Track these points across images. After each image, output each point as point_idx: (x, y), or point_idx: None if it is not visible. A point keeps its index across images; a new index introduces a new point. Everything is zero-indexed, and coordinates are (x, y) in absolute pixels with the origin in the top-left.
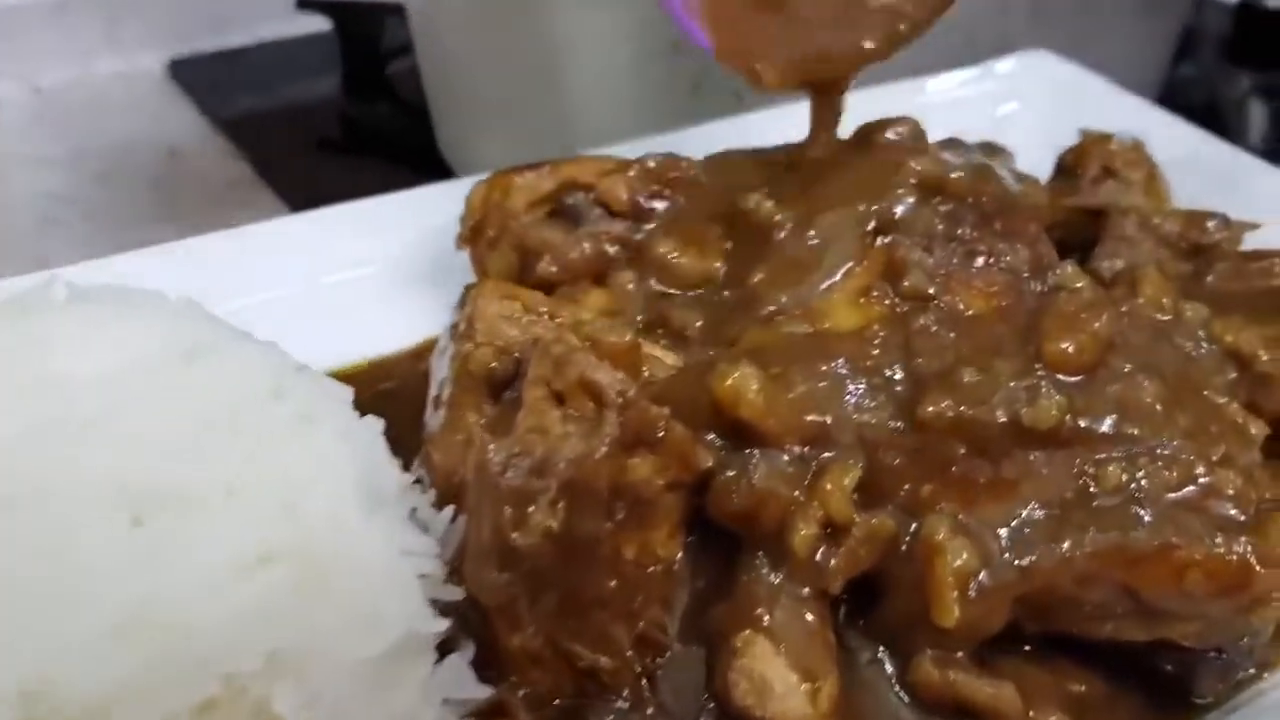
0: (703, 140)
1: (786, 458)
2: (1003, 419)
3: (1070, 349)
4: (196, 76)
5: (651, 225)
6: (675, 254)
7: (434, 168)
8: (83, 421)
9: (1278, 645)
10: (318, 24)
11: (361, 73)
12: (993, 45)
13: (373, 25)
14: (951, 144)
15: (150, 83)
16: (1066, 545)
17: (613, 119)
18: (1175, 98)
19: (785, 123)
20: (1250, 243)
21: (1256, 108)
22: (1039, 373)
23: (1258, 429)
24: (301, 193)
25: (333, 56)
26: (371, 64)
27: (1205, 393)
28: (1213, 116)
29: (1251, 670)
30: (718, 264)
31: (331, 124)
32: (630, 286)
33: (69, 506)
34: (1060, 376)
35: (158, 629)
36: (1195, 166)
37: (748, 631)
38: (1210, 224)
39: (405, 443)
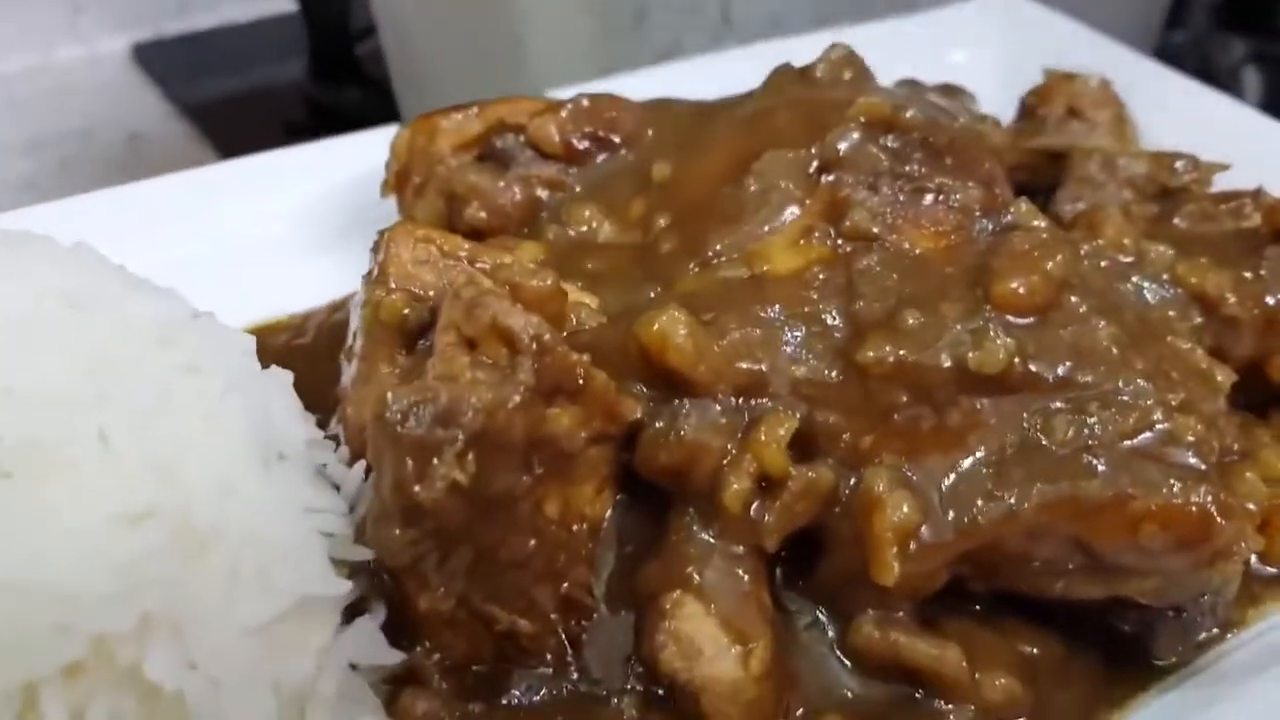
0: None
1: (719, 408)
2: (948, 364)
3: (1021, 289)
4: (160, 60)
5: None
6: (596, 222)
7: None
8: None
9: (1242, 603)
10: (283, 4)
11: (329, 55)
12: None
13: (340, 5)
14: (908, 84)
15: (114, 67)
16: (1015, 497)
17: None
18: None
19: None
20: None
21: (1250, 74)
22: (988, 315)
23: (1224, 375)
24: None
25: (300, 38)
26: (339, 45)
27: (1168, 338)
28: (1206, 83)
29: (1214, 630)
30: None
31: (298, 107)
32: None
33: None
34: (1010, 319)
35: (18, 587)
36: (1165, 107)
37: (677, 592)
38: (1178, 165)
39: (325, 399)
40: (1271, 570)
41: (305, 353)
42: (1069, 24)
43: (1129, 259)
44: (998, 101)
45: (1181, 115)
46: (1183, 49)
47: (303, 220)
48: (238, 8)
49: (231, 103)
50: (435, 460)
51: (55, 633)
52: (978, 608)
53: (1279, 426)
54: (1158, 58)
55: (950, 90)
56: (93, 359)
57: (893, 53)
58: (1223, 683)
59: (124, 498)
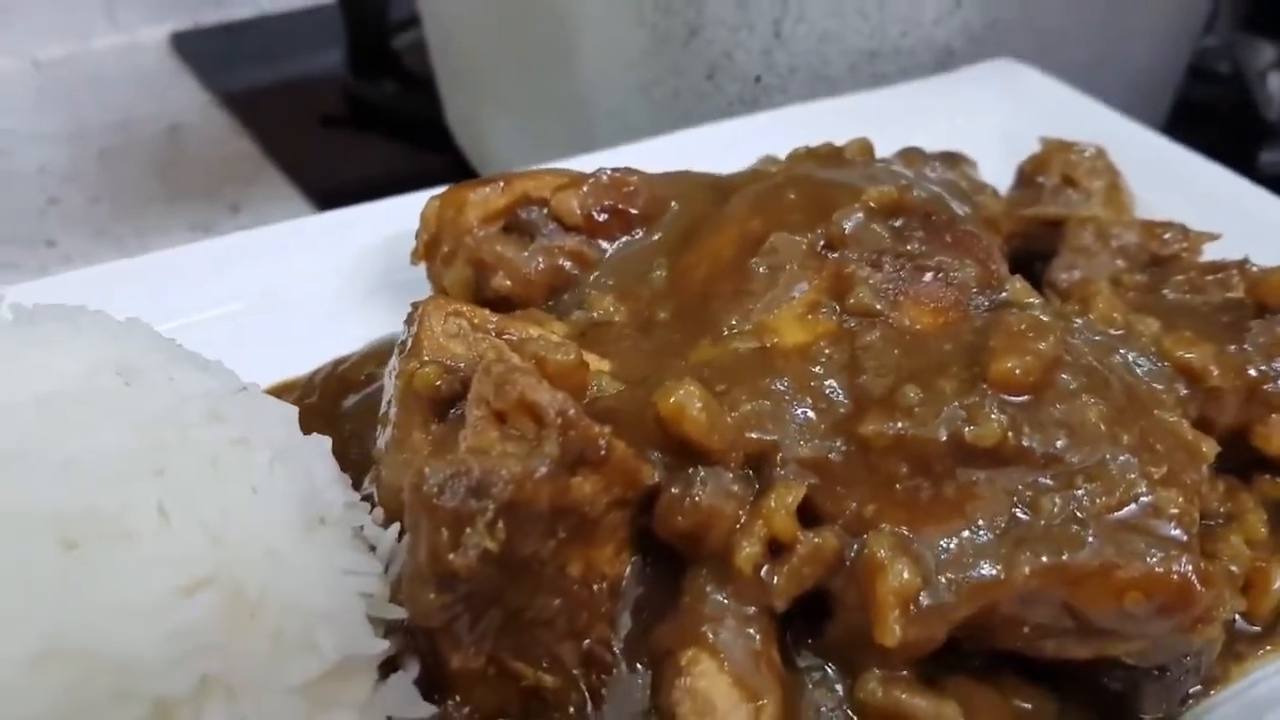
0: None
1: (731, 475)
2: (945, 437)
3: (1016, 369)
4: (198, 50)
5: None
6: (613, 307)
7: (441, 145)
8: (16, 447)
9: (1226, 660)
10: None
11: (366, 47)
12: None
13: None
14: (911, 152)
15: (152, 57)
16: (1009, 565)
17: (626, 101)
18: (1202, 69)
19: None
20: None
21: (1276, 79)
22: (984, 391)
23: (1209, 447)
24: (306, 171)
25: (337, 29)
26: (377, 38)
27: (1154, 410)
28: (1238, 87)
29: (1198, 687)
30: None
31: (336, 99)
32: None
33: None
34: (1005, 396)
35: (83, 655)
36: (1161, 175)
37: (692, 650)
38: (1167, 235)
39: (360, 457)
40: (1255, 629)
41: (342, 413)
42: (1069, 92)
43: (1118, 332)
44: (998, 168)
45: (1178, 184)
46: (1212, 54)
47: (333, 281)
48: None
49: (269, 94)
50: (468, 530)
51: (119, 698)
52: (975, 663)
53: (1261, 490)
54: (1195, 63)
55: (951, 158)
56: (147, 432)
57: (896, 118)
58: None
59: (182, 567)
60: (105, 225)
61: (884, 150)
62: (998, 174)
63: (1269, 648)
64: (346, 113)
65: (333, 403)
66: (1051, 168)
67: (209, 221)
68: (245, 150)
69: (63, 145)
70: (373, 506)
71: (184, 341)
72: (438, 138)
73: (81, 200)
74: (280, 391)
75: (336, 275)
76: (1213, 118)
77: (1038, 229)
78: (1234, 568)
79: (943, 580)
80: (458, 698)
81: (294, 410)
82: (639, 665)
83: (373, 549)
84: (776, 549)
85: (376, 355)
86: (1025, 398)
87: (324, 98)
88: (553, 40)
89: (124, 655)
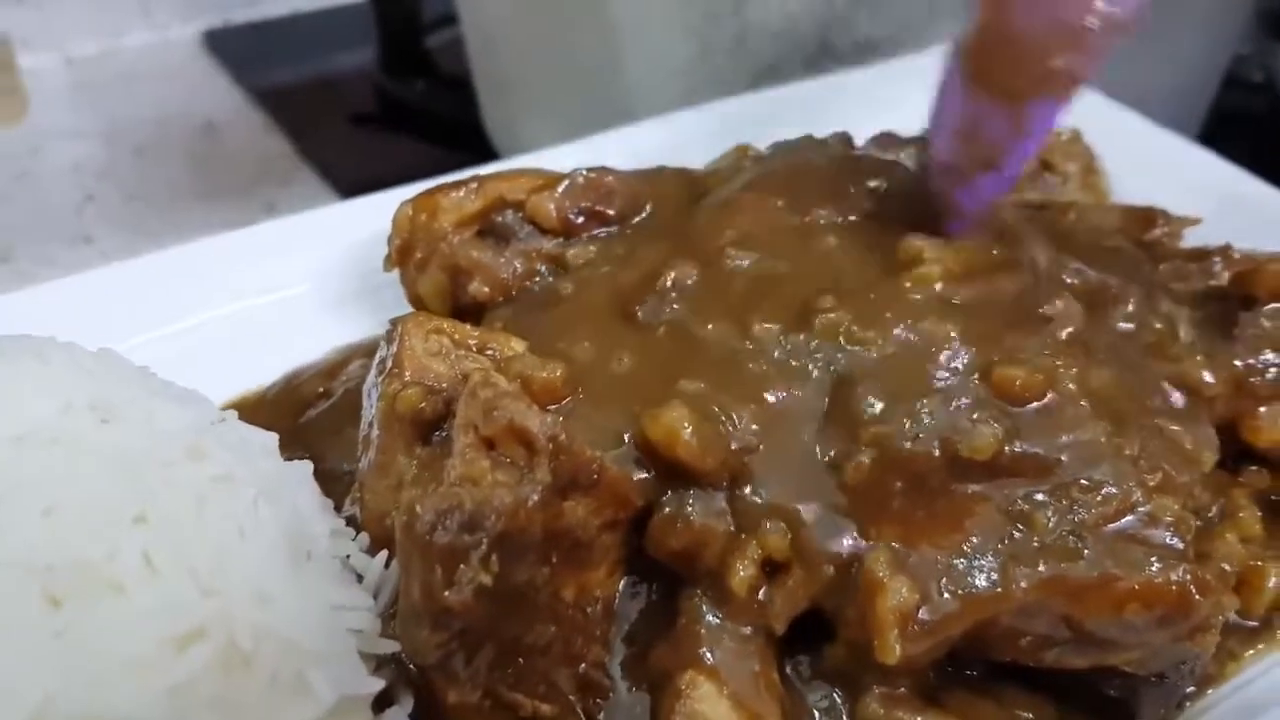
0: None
1: (723, 494)
2: (938, 451)
3: (1018, 379)
4: (231, 48)
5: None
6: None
7: (476, 146)
8: None
9: (1218, 658)
10: None
11: (398, 46)
12: None
13: None
14: (885, 138)
15: (184, 54)
16: (1007, 578)
17: (671, 110)
18: (1234, 78)
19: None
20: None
21: None
22: (977, 399)
23: (1210, 455)
24: (338, 169)
25: (369, 27)
26: (408, 37)
27: (1154, 420)
28: (1271, 96)
29: (1192, 689)
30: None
31: (367, 98)
32: None
33: None
34: (1001, 403)
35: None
36: (1141, 157)
37: (689, 672)
38: (1148, 220)
39: (335, 475)
40: (1250, 624)
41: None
42: None
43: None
44: None
45: (1155, 164)
46: (1244, 62)
47: (305, 285)
48: None
49: (301, 92)
50: (462, 565)
51: None
52: (974, 673)
53: (1253, 484)
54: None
55: (924, 141)
56: (126, 474)
57: (865, 101)
58: None
59: (173, 619)
60: (142, 222)
61: (858, 134)
62: None
63: (1262, 645)
64: (378, 111)
65: (289, 420)
66: None
67: (247, 219)
68: (279, 148)
69: (97, 142)
70: (356, 530)
71: (142, 360)
72: (470, 137)
73: (118, 197)
74: (234, 409)
75: (297, 282)
76: (1248, 126)
77: None
78: (1227, 566)
79: (942, 595)
80: None
81: (274, 438)
82: (634, 688)
83: (359, 577)
84: (771, 571)
85: (329, 370)
86: (1024, 407)
87: (355, 96)
88: (598, 48)
89: (122, 717)
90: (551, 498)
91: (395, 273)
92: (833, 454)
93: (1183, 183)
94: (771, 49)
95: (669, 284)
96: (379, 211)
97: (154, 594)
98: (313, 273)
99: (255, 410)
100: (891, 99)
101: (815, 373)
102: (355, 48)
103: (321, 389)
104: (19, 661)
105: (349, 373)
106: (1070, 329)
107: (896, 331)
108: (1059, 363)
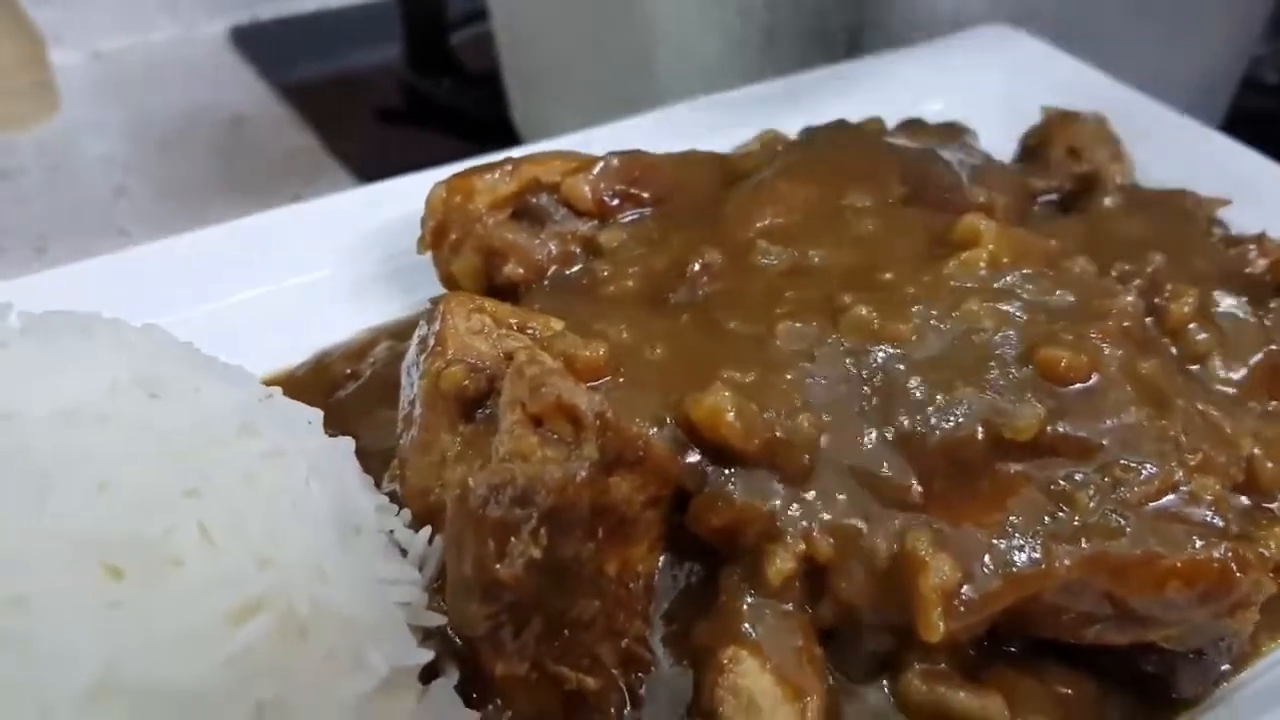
0: None
1: (765, 473)
2: (981, 433)
3: (1063, 360)
4: (257, 43)
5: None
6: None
7: (501, 142)
8: (47, 467)
9: (1254, 639)
10: None
11: (424, 43)
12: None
13: None
14: (912, 124)
15: (211, 49)
16: (1050, 556)
17: None
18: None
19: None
20: None
21: None
22: (1022, 380)
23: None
24: (367, 164)
25: (394, 23)
26: (433, 34)
27: (1196, 402)
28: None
29: (1228, 667)
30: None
31: (393, 94)
32: None
33: (37, 559)
34: (1045, 384)
35: (140, 689)
36: (1164, 143)
37: (732, 647)
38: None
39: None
40: None
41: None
42: (1064, 58)
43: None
44: (995, 132)
45: (1180, 152)
46: (1260, 63)
47: (331, 267)
48: None
49: (327, 88)
50: (513, 539)
51: None
52: (1013, 649)
53: None
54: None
55: (951, 130)
56: (178, 450)
57: (890, 85)
58: (1242, 712)
59: (231, 591)
60: (174, 215)
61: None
62: (994, 137)
63: None
64: (403, 107)
65: (320, 400)
66: (1055, 139)
67: None
68: (306, 143)
69: (125, 136)
70: (399, 507)
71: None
72: (495, 133)
73: (148, 191)
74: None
75: (323, 265)
76: (1263, 127)
77: None
78: (1266, 551)
79: (984, 572)
80: (499, 702)
81: (319, 414)
82: (676, 663)
83: (403, 552)
84: (810, 569)
85: (358, 350)
86: (1068, 388)
87: (381, 92)
88: (630, 44)
89: (182, 687)
90: (598, 474)
91: (419, 256)
92: (875, 437)
93: (1209, 169)
94: (801, 46)
95: (701, 269)
96: (404, 196)
97: (211, 567)
98: (339, 256)
99: (285, 390)
100: (919, 84)
101: (856, 357)
102: (381, 44)
103: (349, 370)
104: (79, 632)
105: (376, 354)
106: (1127, 323)
107: (940, 314)
108: (1104, 346)
